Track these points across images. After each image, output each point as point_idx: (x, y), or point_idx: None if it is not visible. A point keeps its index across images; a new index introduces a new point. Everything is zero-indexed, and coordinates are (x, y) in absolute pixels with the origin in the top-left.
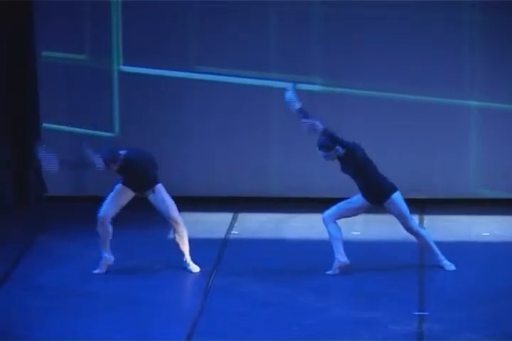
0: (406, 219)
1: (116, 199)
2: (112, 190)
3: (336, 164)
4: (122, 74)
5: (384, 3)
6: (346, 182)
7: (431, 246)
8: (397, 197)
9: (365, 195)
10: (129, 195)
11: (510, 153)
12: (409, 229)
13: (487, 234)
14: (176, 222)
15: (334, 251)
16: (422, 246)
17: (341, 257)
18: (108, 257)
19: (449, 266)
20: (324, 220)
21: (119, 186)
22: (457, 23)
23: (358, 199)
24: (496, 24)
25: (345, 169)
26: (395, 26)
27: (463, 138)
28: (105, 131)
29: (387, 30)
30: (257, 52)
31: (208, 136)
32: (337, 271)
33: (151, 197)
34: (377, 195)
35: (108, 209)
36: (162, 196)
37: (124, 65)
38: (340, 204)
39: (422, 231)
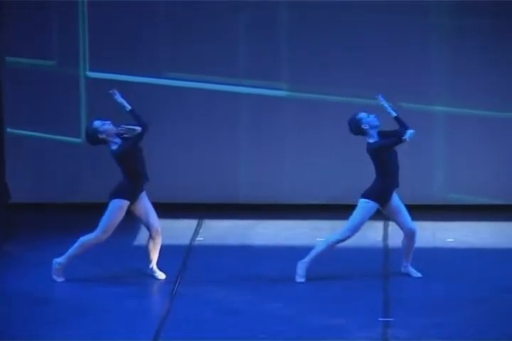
0: (407, 216)
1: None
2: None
3: (304, 170)
4: (89, 80)
5: (352, 7)
6: (313, 188)
7: (410, 252)
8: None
9: (391, 186)
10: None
11: (475, 159)
12: (409, 228)
13: (451, 239)
14: (157, 231)
15: (310, 256)
16: (404, 248)
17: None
18: (59, 261)
19: (415, 273)
20: (348, 238)
21: (117, 202)
22: (424, 28)
23: (369, 208)
24: (462, 29)
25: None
26: (362, 30)
27: (429, 143)
28: (72, 137)
29: (354, 36)
30: (225, 58)
31: (175, 142)
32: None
33: (138, 202)
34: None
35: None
36: (146, 203)
37: (91, 70)
38: (361, 221)
39: (415, 231)
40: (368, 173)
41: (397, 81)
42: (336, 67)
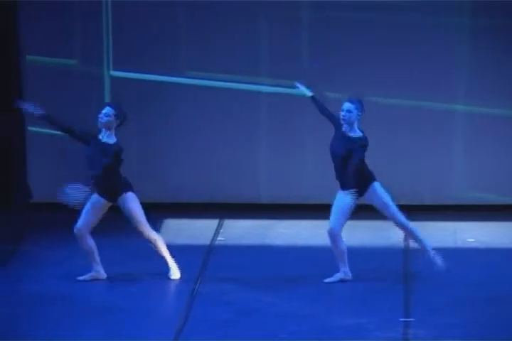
0: (389, 208)
1: (93, 211)
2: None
3: (325, 170)
4: (113, 79)
5: (371, 7)
6: (335, 188)
7: (419, 240)
8: (378, 185)
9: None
10: (104, 205)
11: (496, 158)
12: (393, 218)
13: (472, 240)
14: (148, 237)
15: (341, 264)
16: (410, 239)
17: (348, 271)
18: (100, 271)
19: (440, 264)
20: (335, 235)
21: (94, 197)
22: (444, 27)
23: (344, 199)
24: (483, 28)
25: (337, 153)
26: (383, 30)
27: (448, 142)
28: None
29: (374, 34)
30: (247, 57)
31: (196, 141)
32: (337, 280)
33: (119, 204)
34: (360, 185)
35: (85, 221)
36: (126, 209)
37: (115, 69)
38: (336, 212)
39: (407, 224)
40: (383, 174)
41: (417, 80)
42: (356, 65)
